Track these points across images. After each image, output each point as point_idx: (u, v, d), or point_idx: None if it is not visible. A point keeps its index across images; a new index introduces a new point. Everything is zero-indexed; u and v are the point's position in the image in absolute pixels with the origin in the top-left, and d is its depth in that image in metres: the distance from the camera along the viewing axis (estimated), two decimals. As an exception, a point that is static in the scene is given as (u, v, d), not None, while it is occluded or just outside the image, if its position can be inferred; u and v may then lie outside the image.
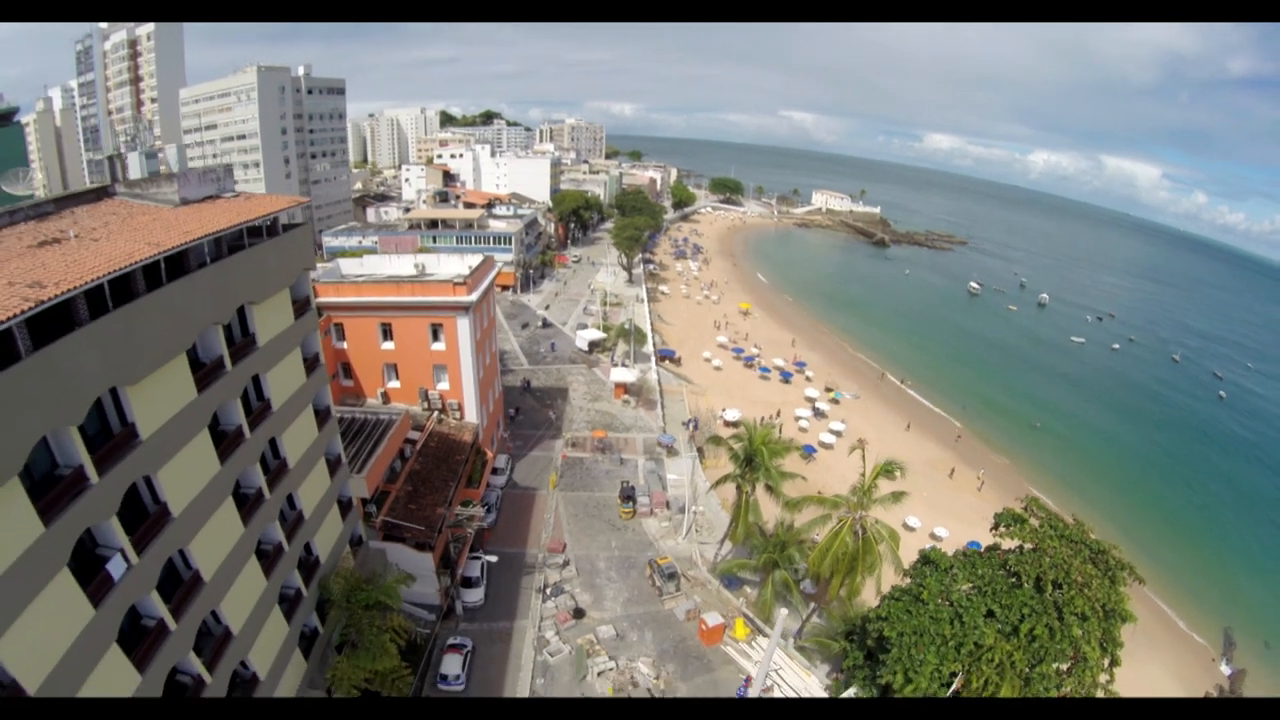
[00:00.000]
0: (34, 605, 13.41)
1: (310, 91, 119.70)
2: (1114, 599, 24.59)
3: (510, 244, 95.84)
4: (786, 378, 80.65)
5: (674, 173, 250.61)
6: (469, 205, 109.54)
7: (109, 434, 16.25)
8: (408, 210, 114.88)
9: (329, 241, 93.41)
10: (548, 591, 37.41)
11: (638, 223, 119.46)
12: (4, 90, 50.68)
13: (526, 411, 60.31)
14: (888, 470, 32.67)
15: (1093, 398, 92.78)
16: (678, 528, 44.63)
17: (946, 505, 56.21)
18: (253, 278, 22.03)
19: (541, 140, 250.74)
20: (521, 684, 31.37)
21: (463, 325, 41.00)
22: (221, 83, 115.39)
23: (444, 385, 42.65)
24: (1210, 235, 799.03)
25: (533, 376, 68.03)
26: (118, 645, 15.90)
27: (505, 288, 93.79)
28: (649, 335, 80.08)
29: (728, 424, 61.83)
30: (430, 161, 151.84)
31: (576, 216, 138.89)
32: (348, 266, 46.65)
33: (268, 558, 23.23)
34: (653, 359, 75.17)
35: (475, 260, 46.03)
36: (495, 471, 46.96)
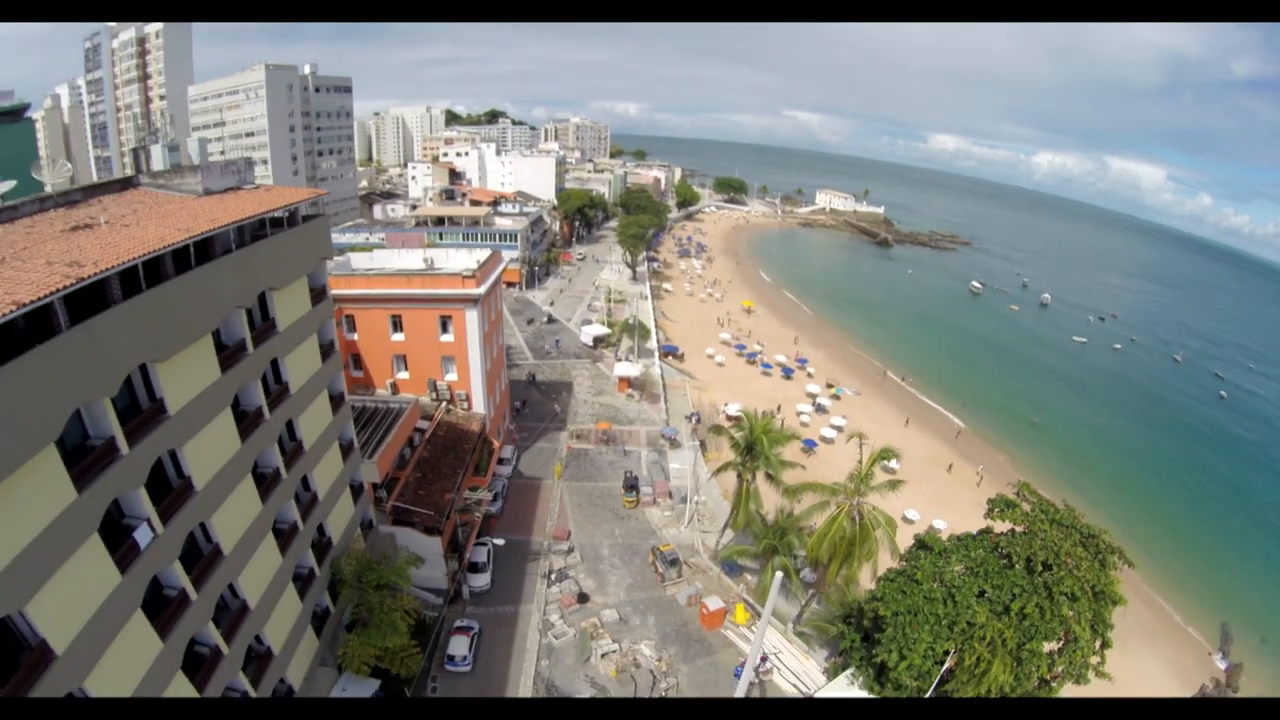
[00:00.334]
0: (65, 568, 14.04)
1: (318, 90, 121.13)
2: (1103, 581, 25.23)
3: (516, 241, 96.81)
4: (788, 374, 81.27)
5: (678, 172, 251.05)
6: (475, 203, 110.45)
7: (138, 409, 17.08)
8: (414, 208, 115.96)
9: (337, 238, 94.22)
10: (552, 577, 38.19)
11: (642, 221, 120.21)
12: (12, 88, 51.68)
13: (532, 405, 61.03)
14: (884, 456, 33.37)
15: (1093, 397, 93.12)
16: (680, 517, 45.35)
17: (945, 499, 56.71)
18: (274, 264, 22.95)
19: (546, 139, 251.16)
20: (527, 666, 32.10)
21: (471, 317, 41.82)
22: (230, 80, 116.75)
23: (452, 376, 43.49)
24: (1215, 238, 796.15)
25: (538, 371, 68.78)
26: (142, 611, 16.56)
27: (511, 284, 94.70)
28: (653, 331, 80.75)
29: (730, 418, 62.42)
30: (436, 160, 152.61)
31: (581, 215, 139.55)
32: (358, 260, 47.49)
33: (283, 536, 24.06)
34: (656, 354, 75.86)
35: (483, 254, 46.83)
36: (502, 462, 47.69)
